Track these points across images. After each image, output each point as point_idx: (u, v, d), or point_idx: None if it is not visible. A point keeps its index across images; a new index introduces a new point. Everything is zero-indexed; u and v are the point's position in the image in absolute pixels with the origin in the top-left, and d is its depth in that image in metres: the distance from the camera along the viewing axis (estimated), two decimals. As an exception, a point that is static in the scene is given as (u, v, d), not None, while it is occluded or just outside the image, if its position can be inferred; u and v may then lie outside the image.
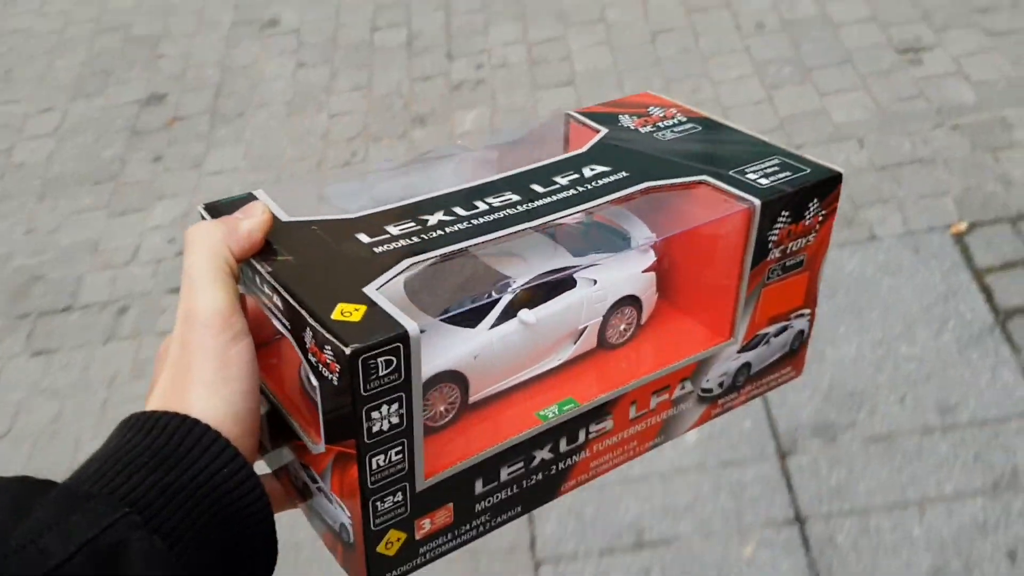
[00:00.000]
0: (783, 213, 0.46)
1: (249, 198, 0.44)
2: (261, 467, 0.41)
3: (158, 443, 0.35)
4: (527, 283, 0.43)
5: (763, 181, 0.46)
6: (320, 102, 2.35)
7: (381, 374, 0.35)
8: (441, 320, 0.43)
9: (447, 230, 0.41)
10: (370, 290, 0.37)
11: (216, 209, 0.43)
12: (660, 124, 0.52)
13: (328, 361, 0.35)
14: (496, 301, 0.44)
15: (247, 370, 0.37)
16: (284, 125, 2.30)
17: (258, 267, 0.39)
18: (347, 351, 0.34)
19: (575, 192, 0.44)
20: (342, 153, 2.19)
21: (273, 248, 0.40)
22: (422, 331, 0.35)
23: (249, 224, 0.40)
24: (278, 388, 0.43)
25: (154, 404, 0.37)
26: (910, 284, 1.67)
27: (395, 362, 0.35)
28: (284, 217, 0.42)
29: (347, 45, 2.51)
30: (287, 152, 2.22)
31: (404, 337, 0.35)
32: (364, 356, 0.34)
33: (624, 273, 0.49)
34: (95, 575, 0.30)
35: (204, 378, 0.36)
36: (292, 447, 0.42)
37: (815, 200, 0.46)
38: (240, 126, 2.33)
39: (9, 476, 0.34)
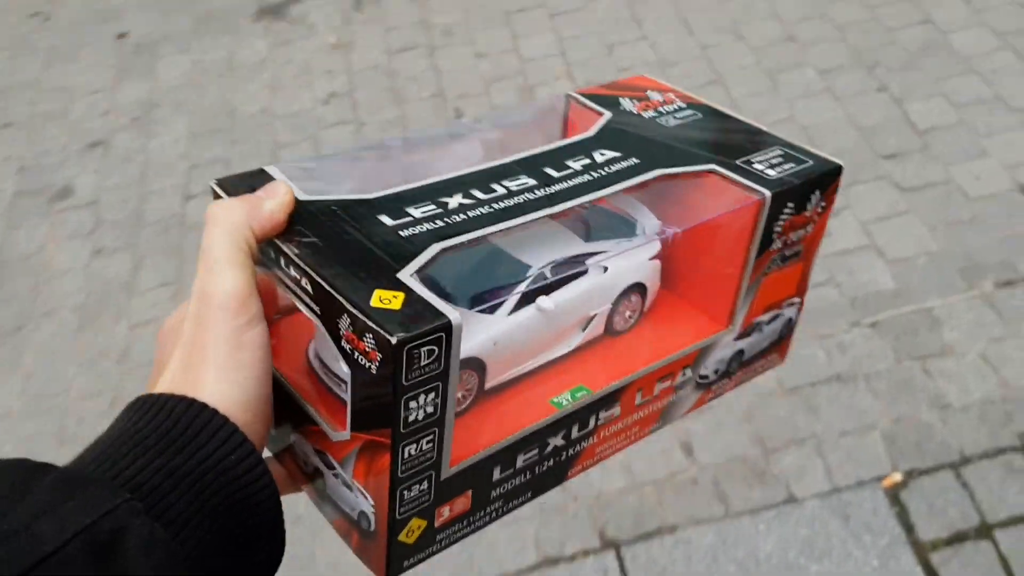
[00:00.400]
0: (788, 205, 0.46)
1: (261, 174, 0.43)
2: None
3: (165, 426, 0.34)
4: (546, 268, 0.43)
5: (770, 172, 0.46)
6: (119, 306, 1.91)
7: (423, 364, 0.34)
8: (459, 306, 0.38)
9: (469, 214, 0.41)
10: (404, 276, 0.36)
11: (230, 185, 0.42)
12: (661, 109, 0.52)
13: (368, 350, 0.34)
14: (515, 287, 0.43)
15: (260, 355, 0.36)
16: (73, 344, 1.86)
17: (283, 248, 0.38)
18: (393, 341, 0.33)
19: (589, 178, 0.44)
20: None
21: (296, 229, 0.39)
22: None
23: (272, 204, 0.39)
24: (283, 368, 0.42)
25: (163, 386, 0.36)
26: (841, 573, 1.35)
27: (436, 352, 0.34)
28: (303, 196, 0.41)
29: (154, 221, 2.08)
30: (74, 386, 1.78)
31: (448, 327, 0.34)
32: (409, 346, 0.33)
33: (633, 261, 0.49)
34: (91, 563, 0.29)
35: (217, 362, 0.35)
36: (302, 431, 0.41)
37: (817, 192, 0.47)
38: (18, 346, 1.87)
39: (7, 459, 0.32)
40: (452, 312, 0.35)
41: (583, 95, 0.53)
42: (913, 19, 2.26)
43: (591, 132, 0.49)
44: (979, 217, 1.80)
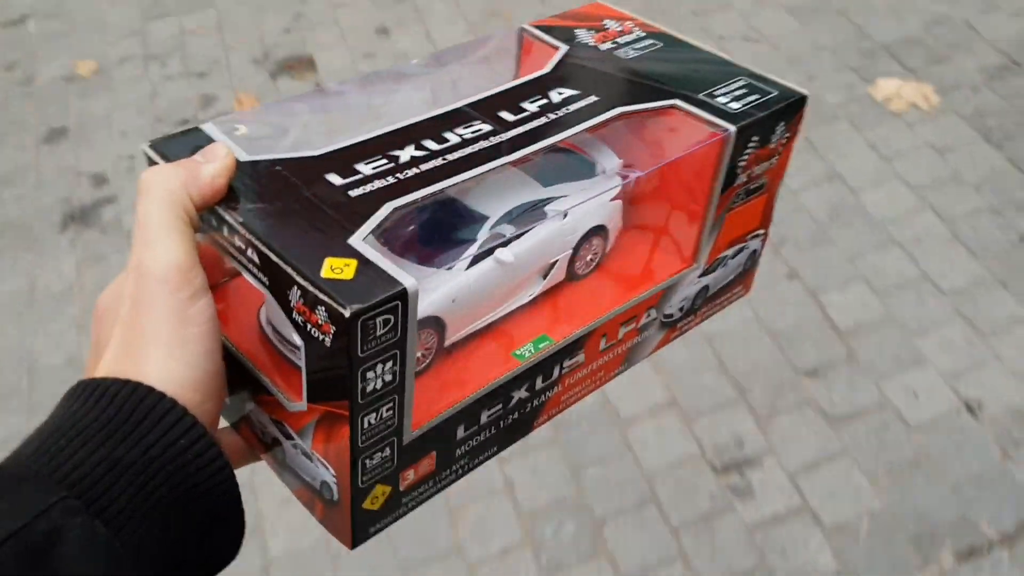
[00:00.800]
0: (753, 138, 0.45)
1: (196, 133, 0.41)
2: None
3: (107, 414, 0.32)
4: (504, 218, 0.42)
5: (734, 105, 0.45)
6: None
7: (379, 334, 0.33)
8: (416, 263, 0.38)
9: (422, 167, 0.40)
10: (356, 241, 0.35)
11: (165, 148, 0.40)
12: (619, 40, 0.50)
13: (320, 322, 0.33)
14: (474, 240, 0.41)
15: (208, 329, 0.35)
16: None
17: (226, 216, 0.37)
18: (347, 313, 0.32)
19: (546, 120, 0.43)
20: None
21: (238, 193, 0.38)
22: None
23: (212, 168, 0.37)
24: (233, 334, 0.40)
25: (104, 370, 0.34)
26: None
27: (393, 320, 0.34)
28: (243, 156, 0.39)
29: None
30: None
31: (403, 295, 0.33)
32: (364, 318, 0.32)
33: (593, 203, 0.47)
34: (24, 568, 0.28)
35: (160, 340, 0.34)
36: (257, 400, 0.40)
37: (782, 123, 0.46)
38: None
39: None
40: (407, 278, 0.33)
41: (537, 27, 0.51)
42: (819, 175, 1.98)
43: (547, 69, 0.47)
44: (924, 454, 1.51)
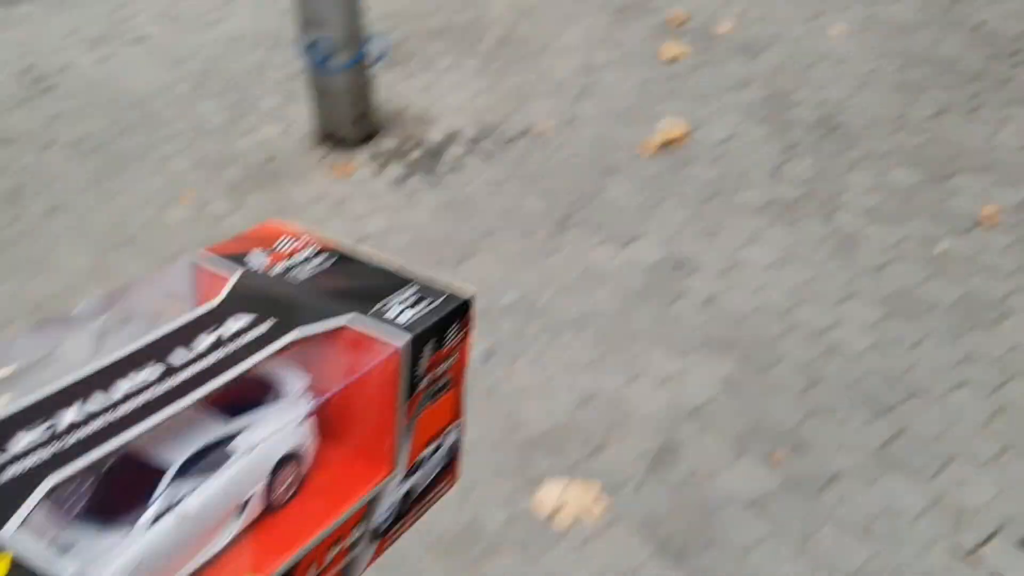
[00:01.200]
0: (428, 344, 0.46)
1: None
2: None
3: None
4: (184, 466, 0.39)
5: (405, 316, 0.46)
6: None
7: None
8: (95, 530, 0.36)
9: (85, 431, 0.36)
10: (7, 535, 0.32)
11: None
12: (292, 260, 0.50)
13: None
14: (153, 496, 0.38)
15: None
16: None
17: None
18: None
19: (222, 354, 0.41)
20: None
21: None
22: (71, 545, 0.33)
23: None
24: None
25: None
26: None
27: None
28: None
29: None
30: None
31: None
32: None
33: (282, 429, 0.44)
34: None
35: None
36: None
37: (454, 324, 0.48)
38: None
39: None
40: (65, 568, 0.32)
41: (211, 254, 0.50)
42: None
43: (219, 299, 0.46)
44: None
